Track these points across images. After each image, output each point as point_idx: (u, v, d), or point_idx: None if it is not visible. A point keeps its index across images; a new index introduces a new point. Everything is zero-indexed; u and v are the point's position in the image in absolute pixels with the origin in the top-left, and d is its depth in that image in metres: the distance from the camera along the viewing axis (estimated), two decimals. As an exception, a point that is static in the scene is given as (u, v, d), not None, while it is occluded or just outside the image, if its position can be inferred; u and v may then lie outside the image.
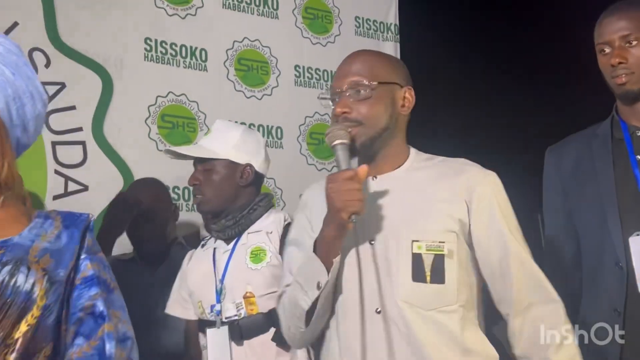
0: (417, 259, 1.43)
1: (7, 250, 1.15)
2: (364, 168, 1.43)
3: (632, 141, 1.84)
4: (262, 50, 3.38)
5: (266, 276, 1.91)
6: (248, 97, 3.30)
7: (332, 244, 1.43)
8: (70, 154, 2.78)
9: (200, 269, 2.03)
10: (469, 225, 1.47)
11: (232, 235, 2.00)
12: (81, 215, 1.28)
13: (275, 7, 3.43)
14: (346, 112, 1.48)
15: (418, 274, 1.42)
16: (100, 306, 1.21)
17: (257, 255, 1.94)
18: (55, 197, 2.71)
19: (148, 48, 3.02)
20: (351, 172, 1.40)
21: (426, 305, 1.42)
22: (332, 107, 1.53)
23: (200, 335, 1.98)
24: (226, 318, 1.90)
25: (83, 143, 2.80)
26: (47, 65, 2.77)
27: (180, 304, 2.07)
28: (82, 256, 1.24)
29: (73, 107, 2.80)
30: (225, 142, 2.01)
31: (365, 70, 1.51)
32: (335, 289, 1.47)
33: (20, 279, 1.11)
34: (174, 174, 2.97)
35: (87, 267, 1.23)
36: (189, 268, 2.09)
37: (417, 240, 1.43)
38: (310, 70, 3.50)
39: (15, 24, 2.74)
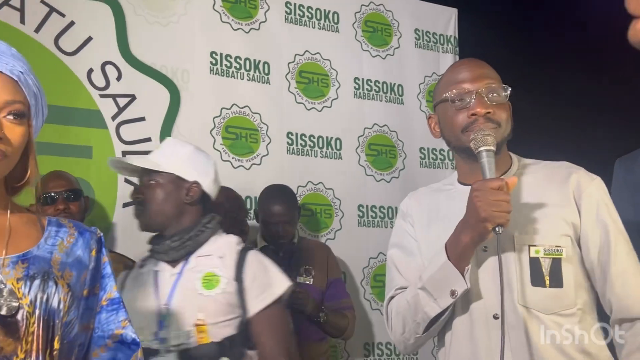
0: (534, 263, 1.43)
1: (30, 264, 1.12)
2: (513, 180, 1.41)
3: None
4: (322, 63, 3.43)
5: (220, 303, 1.80)
6: (308, 109, 3.36)
7: (466, 251, 1.42)
8: (140, 163, 2.88)
9: (141, 293, 1.86)
10: (580, 226, 1.45)
11: (176, 257, 1.86)
12: (91, 228, 1.27)
13: (335, 20, 3.49)
14: (490, 112, 1.47)
15: (536, 278, 1.42)
16: (131, 334, 1.22)
17: (209, 281, 1.82)
18: (125, 205, 2.81)
19: (213, 62, 3.12)
20: (500, 182, 1.38)
21: (546, 309, 1.41)
22: (458, 104, 1.50)
23: None
24: (173, 346, 1.76)
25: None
26: (119, 78, 2.89)
27: None
28: (105, 274, 1.24)
29: (142, 119, 2.92)
30: (174, 157, 1.91)
31: (495, 76, 1.52)
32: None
33: (50, 294, 1.10)
34: (237, 184, 3.05)
35: (113, 289, 1.24)
36: (126, 291, 1.90)
37: (534, 245, 1.43)
38: (369, 82, 3.54)
39: (90, 39, 2.87)
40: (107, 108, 2.86)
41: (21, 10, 2.75)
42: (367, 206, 3.42)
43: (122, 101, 2.89)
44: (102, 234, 1.27)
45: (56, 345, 1.09)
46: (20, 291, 1.07)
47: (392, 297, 1.58)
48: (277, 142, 3.24)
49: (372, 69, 3.55)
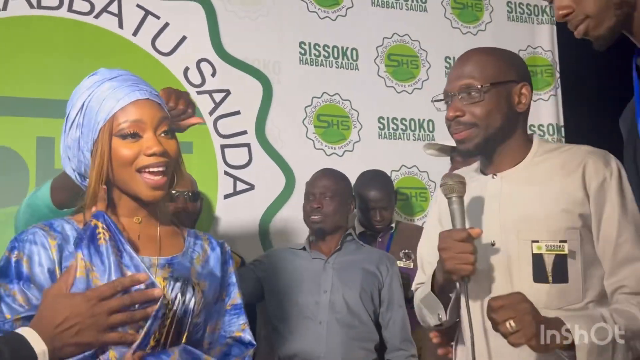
0: (537, 259, 1.42)
1: (174, 268, 1.27)
2: (477, 231, 1.41)
3: None
4: (411, 45, 3.39)
5: None
6: (399, 92, 3.33)
7: (443, 288, 1.49)
8: (237, 155, 2.98)
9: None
10: (591, 216, 1.43)
11: None
12: (220, 242, 1.42)
13: (424, 0, 3.42)
14: (458, 115, 1.48)
15: (539, 275, 1.42)
16: (248, 336, 1.35)
17: None
18: (226, 197, 2.91)
19: (302, 52, 3.15)
20: (464, 234, 1.39)
21: (549, 305, 1.39)
22: (447, 105, 1.54)
23: None
24: None
25: (248, 145, 2.99)
26: (214, 74, 2.98)
27: None
28: (230, 283, 1.37)
29: (238, 112, 3.00)
30: None
31: (476, 71, 1.49)
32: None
33: (188, 297, 1.23)
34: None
35: (237, 295, 1.37)
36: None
37: (536, 241, 1.42)
38: (461, 60, 3.45)
39: (184, 38, 2.98)
40: (204, 104, 2.95)
41: (119, 15, 2.89)
42: (463, 187, 3.36)
43: (217, 96, 2.98)
44: (229, 248, 1.42)
45: (183, 340, 1.22)
46: (165, 289, 1.21)
47: (415, 290, 1.68)
48: (368, 128, 3.24)
49: (463, 47, 3.36)
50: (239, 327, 1.35)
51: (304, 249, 2.49)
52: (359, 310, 2.35)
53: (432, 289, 1.52)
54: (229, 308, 1.35)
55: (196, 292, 1.24)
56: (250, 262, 2.54)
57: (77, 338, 1.08)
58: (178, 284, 1.22)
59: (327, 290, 2.36)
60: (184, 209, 2.54)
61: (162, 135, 1.28)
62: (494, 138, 1.49)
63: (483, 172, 1.58)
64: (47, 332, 1.06)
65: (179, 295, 1.21)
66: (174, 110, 1.51)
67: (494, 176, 1.53)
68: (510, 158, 1.52)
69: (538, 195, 1.46)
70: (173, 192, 2.49)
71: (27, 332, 1.06)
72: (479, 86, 1.46)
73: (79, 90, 1.31)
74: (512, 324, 1.27)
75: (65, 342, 1.07)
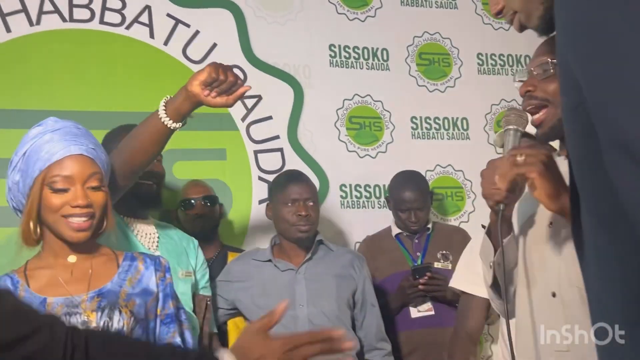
0: None
1: (103, 297, 1.44)
2: None
3: None
4: (442, 43, 3.34)
5: None
6: (431, 91, 3.29)
7: (495, 227, 1.48)
8: (271, 160, 2.97)
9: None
10: None
11: None
12: (157, 258, 1.57)
13: (454, -3, 3.38)
14: (530, 90, 1.43)
15: None
16: (178, 341, 1.49)
17: None
18: (260, 202, 2.91)
19: (332, 54, 3.13)
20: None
21: None
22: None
23: None
24: None
25: (281, 150, 2.99)
26: (245, 80, 2.98)
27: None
28: (166, 294, 1.52)
29: (270, 117, 3.00)
30: None
31: (554, 49, 1.45)
32: (523, 268, 1.49)
33: (115, 320, 1.40)
34: (364, 174, 3.07)
35: (169, 305, 1.52)
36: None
37: None
38: (493, 57, 3.39)
39: (215, 45, 2.99)
40: (236, 110, 2.94)
41: (150, 25, 2.91)
42: (500, 186, 3.30)
43: (249, 102, 2.98)
44: (167, 262, 1.58)
45: None
46: (94, 320, 1.39)
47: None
48: (401, 128, 3.21)
49: (495, 43, 3.40)
50: (169, 334, 1.49)
51: (269, 260, 2.40)
52: (339, 321, 2.29)
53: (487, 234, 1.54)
54: (163, 318, 1.50)
55: (123, 313, 1.41)
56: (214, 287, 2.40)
57: None
58: (106, 311, 1.40)
59: (303, 304, 2.29)
60: (204, 214, 2.57)
61: (90, 188, 1.44)
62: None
63: (559, 154, 1.55)
64: None
65: (107, 320, 1.39)
66: (225, 83, 1.60)
67: (567, 157, 1.50)
68: None
69: None
70: (192, 200, 2.55)
71: (227, 356, 1.13)
72: (551, 60, 1.41)
73: (26, 137, 1.48)
74: (522, 156, 1.30)
75: None
